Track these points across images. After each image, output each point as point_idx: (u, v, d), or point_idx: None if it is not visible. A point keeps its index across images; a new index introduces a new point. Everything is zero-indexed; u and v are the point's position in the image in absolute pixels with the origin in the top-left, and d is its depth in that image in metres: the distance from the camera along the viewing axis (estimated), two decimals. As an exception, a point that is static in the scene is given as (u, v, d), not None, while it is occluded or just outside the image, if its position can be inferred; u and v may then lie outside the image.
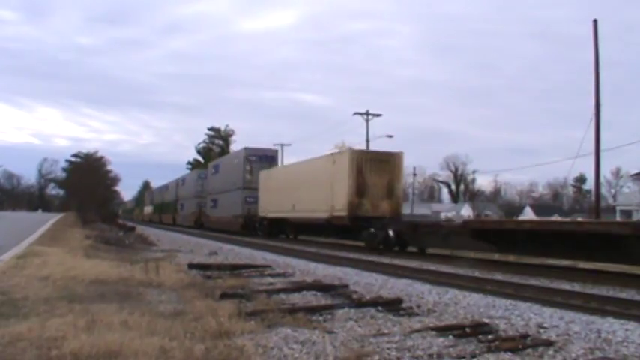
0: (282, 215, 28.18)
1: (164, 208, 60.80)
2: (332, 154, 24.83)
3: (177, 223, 51.41)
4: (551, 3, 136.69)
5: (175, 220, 53.11)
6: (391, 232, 19.49)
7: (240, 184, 34.31)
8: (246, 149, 35.49)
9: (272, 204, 29.57)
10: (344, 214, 21.85)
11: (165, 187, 63.68)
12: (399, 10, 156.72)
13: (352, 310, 7.57)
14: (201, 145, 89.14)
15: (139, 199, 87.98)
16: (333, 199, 22.70)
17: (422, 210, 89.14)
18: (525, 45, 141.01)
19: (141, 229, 39.31)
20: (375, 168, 22.06)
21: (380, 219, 20.95)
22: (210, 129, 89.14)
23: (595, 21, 25.25)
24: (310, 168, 25.87)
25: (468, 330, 6.27)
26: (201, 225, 42.53)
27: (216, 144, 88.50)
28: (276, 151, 38.79)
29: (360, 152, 24.24)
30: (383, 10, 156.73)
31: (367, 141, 47.59)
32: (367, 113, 48.84)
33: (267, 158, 35.06)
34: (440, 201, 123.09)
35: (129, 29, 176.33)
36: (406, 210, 50.60)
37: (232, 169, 36.71)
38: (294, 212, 26.78)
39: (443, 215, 74.78)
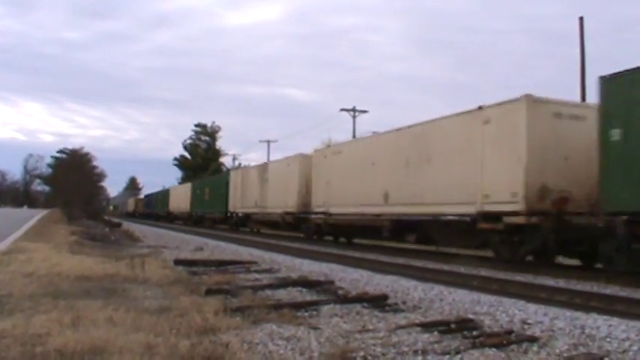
0: None
1: (115, 207, 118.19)
2: None
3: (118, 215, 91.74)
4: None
5: (121, 213, 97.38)
6: None
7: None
8: None
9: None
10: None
11: (118, 197, 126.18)
12: (386, 4, 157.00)
13: (338, 307, 7.57)
14: (188, 142, 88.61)
15: (110, 200, 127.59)
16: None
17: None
18: (513, 41, 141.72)
19: (126, 224, 39.14)
20: None
21: None
22: (196, 125, 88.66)
23: (581, 18, 25.40)
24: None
25: (453, 326, 6.30)
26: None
27: (203, 140, 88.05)
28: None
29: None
30: (370, 4, 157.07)
31: (354, 137, 47.57)
32: (354, 109, 48.77)
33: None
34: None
35: (114, 23, 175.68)
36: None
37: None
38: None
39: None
